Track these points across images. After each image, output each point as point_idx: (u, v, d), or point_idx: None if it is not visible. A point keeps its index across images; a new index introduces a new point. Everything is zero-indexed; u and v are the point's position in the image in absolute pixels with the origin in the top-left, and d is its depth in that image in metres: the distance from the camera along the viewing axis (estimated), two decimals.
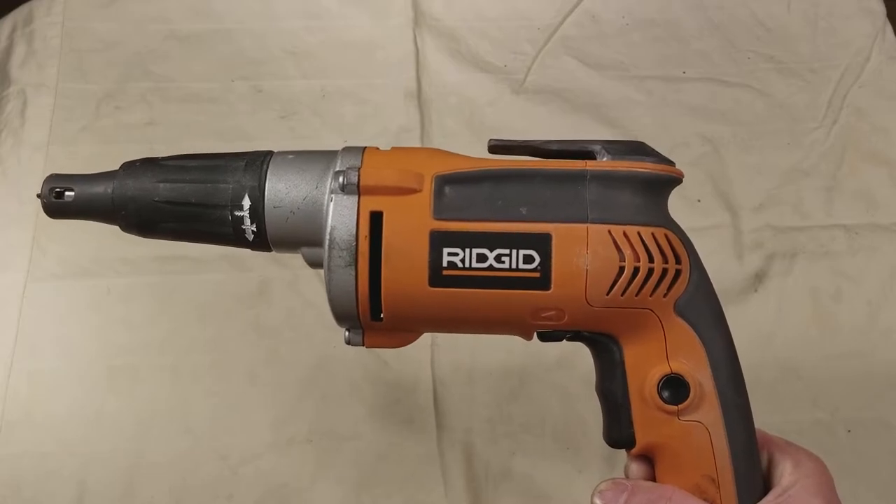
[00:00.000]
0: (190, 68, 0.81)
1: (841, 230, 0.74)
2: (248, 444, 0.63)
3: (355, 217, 0.37)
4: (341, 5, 0.85)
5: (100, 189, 0.40)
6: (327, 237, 0.37)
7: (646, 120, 0.80)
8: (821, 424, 0.65)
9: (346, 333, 0.40)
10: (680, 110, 0.80)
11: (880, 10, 0.86)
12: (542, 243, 0.37)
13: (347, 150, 0.40)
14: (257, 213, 0.39)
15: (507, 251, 0.37)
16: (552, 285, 0.37)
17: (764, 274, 0.72)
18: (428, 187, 0.38)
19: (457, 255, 0.37)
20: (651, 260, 0.37)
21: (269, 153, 0.40)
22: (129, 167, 0.41)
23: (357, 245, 0.37)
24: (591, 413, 0.54)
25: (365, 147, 0.40)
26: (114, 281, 0.69)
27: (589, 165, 0.38)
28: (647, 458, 0.40)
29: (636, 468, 0.40)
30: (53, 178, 0.41)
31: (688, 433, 0.38)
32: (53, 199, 0.40)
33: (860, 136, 0.79)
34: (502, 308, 0.38)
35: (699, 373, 0.38)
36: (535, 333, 0.41)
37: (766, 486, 0.39)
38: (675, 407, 0.38)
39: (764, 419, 0.40)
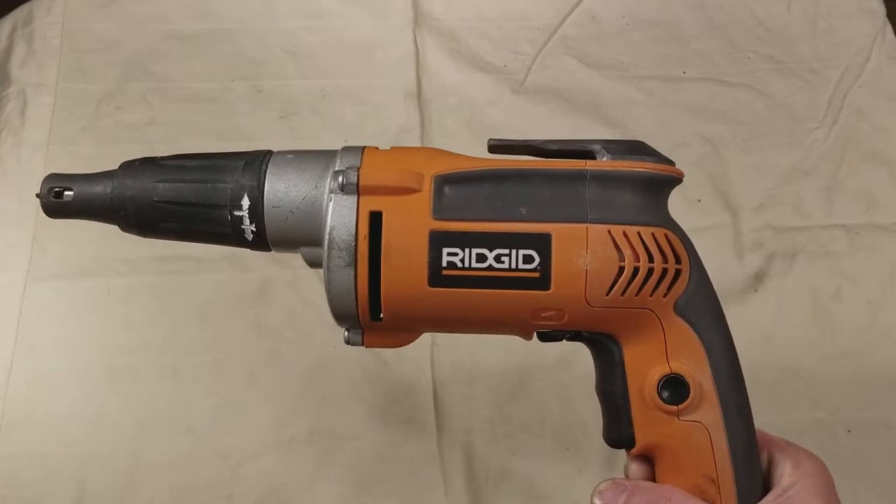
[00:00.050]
0: (190, 68, 0.81)
1: (841, 230, 0.74)
2: (249, 444, 0.63)
3: (355, 217, 0.37)
4: (341, 5, 0.85)
5: (99, 189, 0.40)
6: (327, 237, 0.37)
7: (646, 120, 0.80)
8: (821, 424, 0.65)
9: (346, 333, 0.40)
10: (680, 110, 0.80)
11: (880, 10, 0.86)
12: (541, 243, 0.37)
13: (347, 149, 0.40)
14: (256, 212, 0.39)
15: (506, 251, 0.37)
16: (552, 285, 0.37)
17: (764, 274, 0.72)
18: (427, 187, 0.38)
19: (456, 255, 0.37)
20: (651, 260, 0.37)
21: (269, 153, 0.40)
22: (129, 167, 0.41)
23: (356, 245, 0.37)
24: (591, 413, 0.54)
25: (364, 147, 0.40)
26: (114, 281, 0.69)
27: (589, 165, 0.38)
28: (647, 459, 0.40)
29: (636, 468, 0.40)
30: (52, 178, 0.41)
31: (688, 433, 0.38)
32: (52, 199, 0.40)
33: (860, 136, 0.79)
34: (502, 308, 0.38)
35: (699, 373, 0.38)
36: (535, 333, 0.40)
37: (766, 487, 0.39)
38: (675, 407, 0.38)
39: (764, 419, 0.40)
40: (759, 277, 0.72)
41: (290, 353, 0.67)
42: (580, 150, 0.39)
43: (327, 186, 0.38)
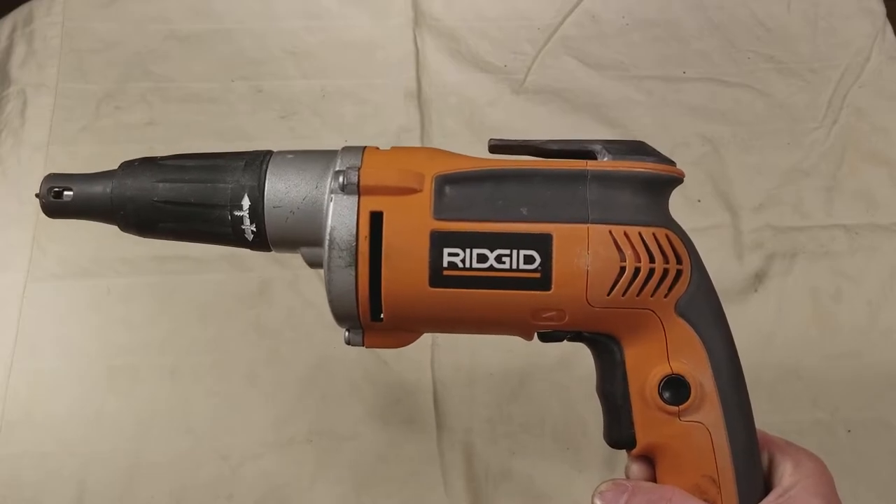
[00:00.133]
0: (190, 68, 0.81)
1: (841, 230, 0.74)
2: (249, 444, 0.63)
3: (355, 217, 0.37)
4: (341, 5, 0.85)
5: (98, 189, 0.40)
6: (327, 237, 0.37)
7: (646, 120, 0.80)
8: (821, 424, 0.65)
9: (346, 333, 0.40)
10: (680, 110, 0.80)
11: (880, 10, 0.86)
12: (542, 243, 0.37)
13: (347, 149, 0.40)
14: (257, 212, 0.39)
15: (507, 251, 0.37)
16: (553, 286, 0.37)
17: (764, 274, 0.72)
18: (428, 187, 0.38)
19: (457, 255, 0.37)
20: (652, 260, 0.37)
21: (269, 153, 0.40)
22: (128, 167, 0.41)
23: (357, 245, 0.37)
24: (591, 413, 0.54)
25: (365, 147, 0.40)
26: (114, 281, 0.69)
27: (589, 165, 0.38)
28: (648, 459, 0.40)
29: (637, 469, 0.40)
30: (52, 178, 0.40)
31: (688, 434, 0.38)
32: (52, 199, 0.40)
33: (860, 136, 0.79)
34: (503, 308, 0.38)
35: (700, 373, 0.38)
36: (536, 334, 0.40)
37: (767, 487, 0.39)
38: (676, 407, 0.38)
39: (764, 419, 0.40)
40: (759, 277, 0.72)
41: (290, 353, 0.67)
42: (581, 150, 0.39)
43: (328, 186, 0.38)
